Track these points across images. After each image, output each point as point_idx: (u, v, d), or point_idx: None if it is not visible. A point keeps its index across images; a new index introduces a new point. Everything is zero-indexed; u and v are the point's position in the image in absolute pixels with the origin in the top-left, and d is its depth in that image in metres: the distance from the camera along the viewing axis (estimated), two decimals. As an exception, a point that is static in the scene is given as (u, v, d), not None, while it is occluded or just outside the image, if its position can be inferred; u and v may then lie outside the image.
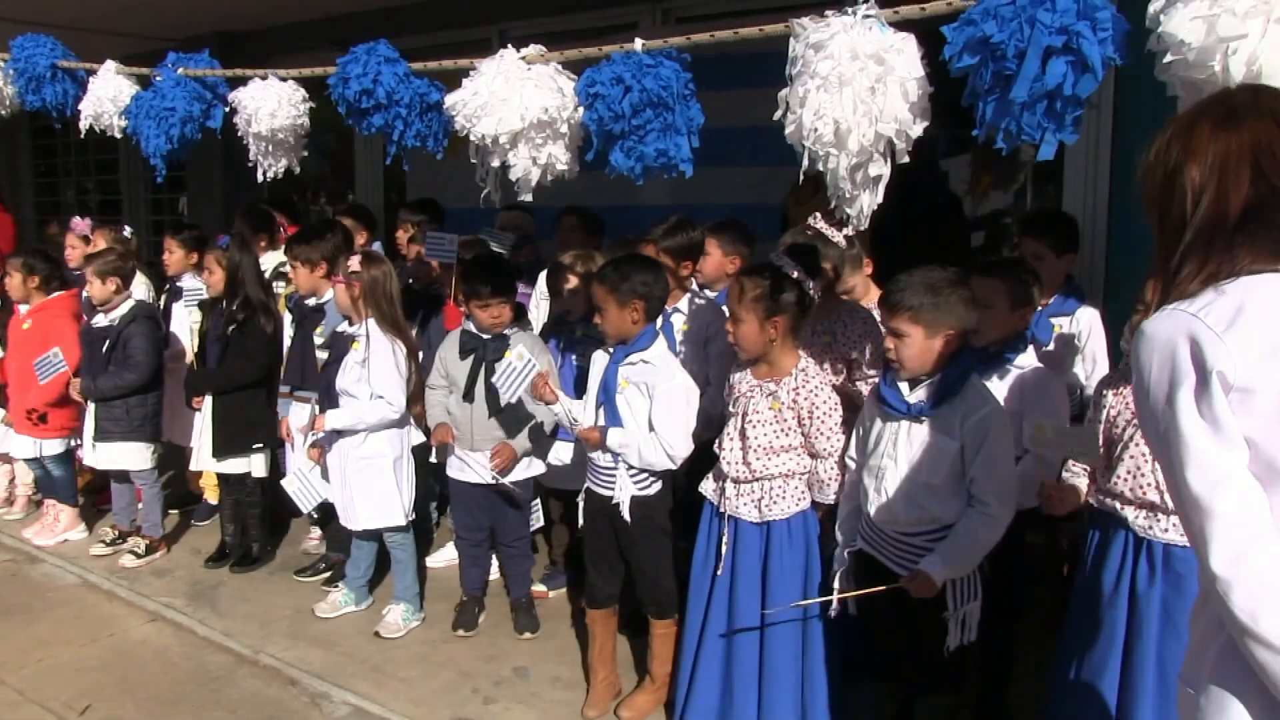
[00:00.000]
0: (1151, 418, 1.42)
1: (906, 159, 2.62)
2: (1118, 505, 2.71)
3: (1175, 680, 2.55)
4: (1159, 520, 2.62)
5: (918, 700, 2.95)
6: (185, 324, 4.92)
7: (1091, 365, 3.81)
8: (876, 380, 3.57)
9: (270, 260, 5.05)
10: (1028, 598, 3.31)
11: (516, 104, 3.08)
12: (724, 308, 4.02)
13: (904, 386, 2.75)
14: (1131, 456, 2.66)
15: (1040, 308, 3.53)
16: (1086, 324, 3.81)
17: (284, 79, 3.81)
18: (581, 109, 3.09)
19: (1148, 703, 2.65)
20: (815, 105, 2.53)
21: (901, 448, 2.74)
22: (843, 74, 2.51)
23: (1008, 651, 3.26)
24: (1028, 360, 3.24)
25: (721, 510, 3.19)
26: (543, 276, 4.97)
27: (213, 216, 6.92)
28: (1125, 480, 2.67)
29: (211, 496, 5.19)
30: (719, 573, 3.16)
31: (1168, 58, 2.20)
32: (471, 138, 3.20)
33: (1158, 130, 1.52)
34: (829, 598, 2.92)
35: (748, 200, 5.14)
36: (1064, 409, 3.26)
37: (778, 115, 2.69)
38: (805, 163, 2.59)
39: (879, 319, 3.63)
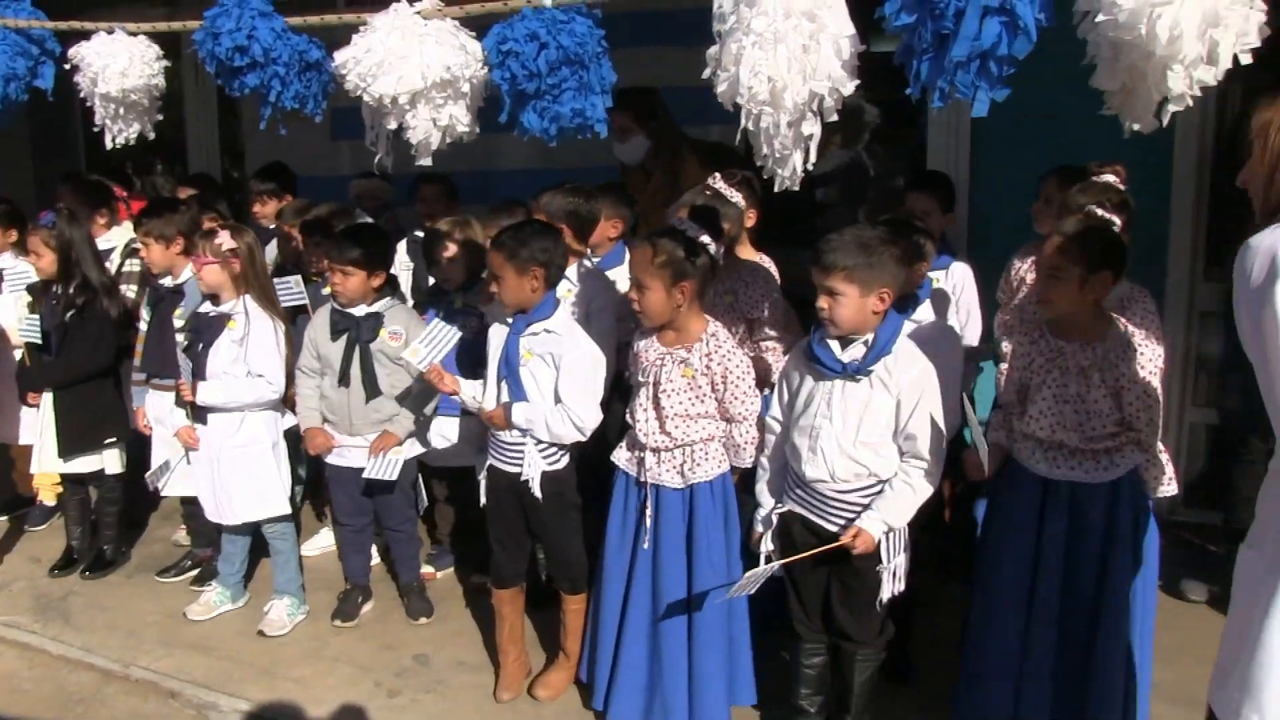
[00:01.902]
0: (1251, 306, 1.72)
1: (835, 117, 2.62)
2: (1028, 446, 2.84)
3: (1076, 614, 2.76)
4: (1065, 459, 2.77)
5: (841, 654, 3.00)
6: (11, 310, 4.40)
7: (965, 317, 3.95)
8: (775, 341, 3.61)
9: (118, 236, 4.58)
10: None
11: (417, 61, 2.88)
12: (610, 275, 4.00)
13: (834, 345, 2.76)
14: (1043, 398, 2.77)
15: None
16: (960, 278, 3.95)
17: (133, 34, 3.43)
18: (486, 68, 2.93)
19: (1050, 636, 2.81)
20: (751, 62, 2.48)
21: (836, 406, 2.75)
22: (778, 30, 2.46)
23: (911, 600, 3.36)
24: (924, 314, 3.34)
25: (641, 480, 3.13)
26: (402, 245, 4.76)
27: (19, 189, 6.20)
28: (1037, 420, 2.78)
29: (48, 497, 4.69)
30: (645, 546, 3.11)
31: (1100, 17, 2.28)
32: (365, 98, 2.98)
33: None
34: (771, 565, 2.88)
35: (612, 162, 5.05)
36: (959, 361, 3.39)
37: (706, 73, 2.63)
38: (745, 122, 2.53)
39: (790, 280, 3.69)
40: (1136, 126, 2.39)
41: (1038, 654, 2.84)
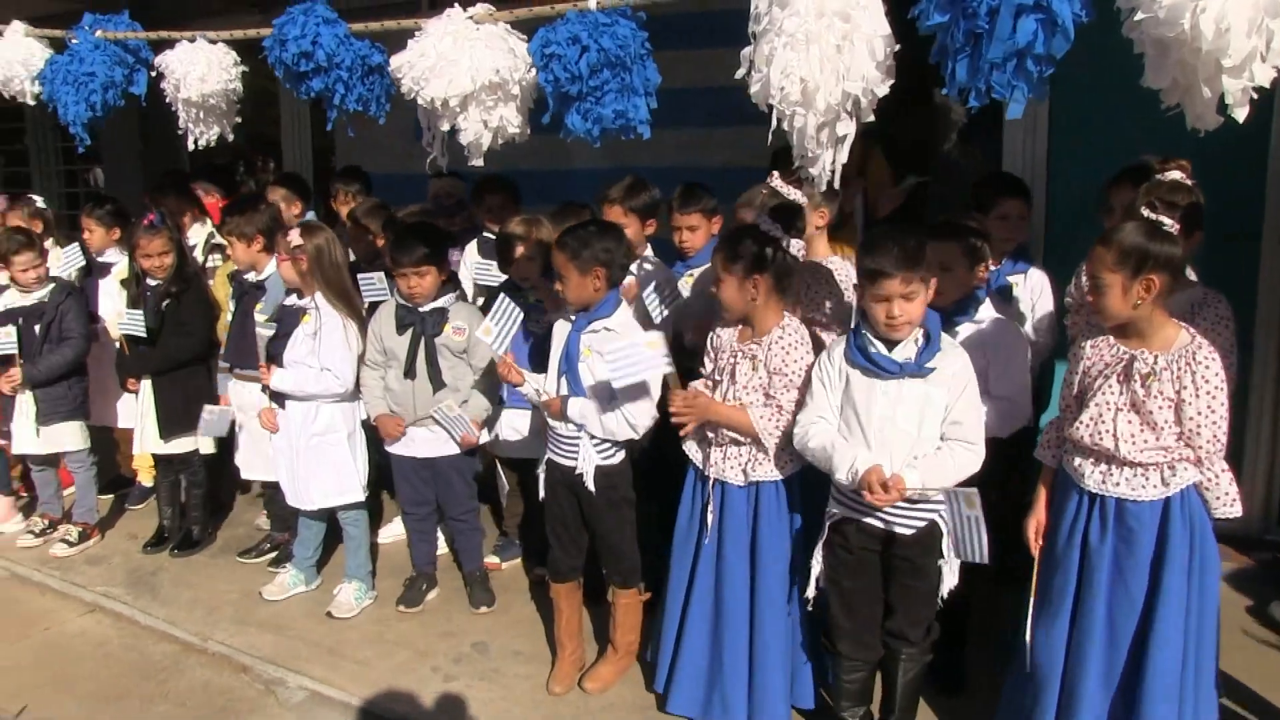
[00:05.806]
0: None
1: (871, 118, 2.59)
2: (1075, 458, 2.73)
3: (1123, 634, 2.65)
4: (1112, 474, 2.64)
5: (889, 656, 2.98)
6: (115, 301, 4.68)
7: (1043, 324, 3.84)
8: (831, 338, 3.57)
9: (198, 234, 4.83)
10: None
11: (467, 65, 2.96)
12: (674, 272, 4.02)
13: (881, 346, 2.74)
14: (1096, 404, 2.65)
15: (994, 267, 3.55)
16: (1037, 286, 3.83)
17: (213, 41, 3.62)
18: (534, 70, 2.99)
19: (1095, 655, 2.70)
20: (782, 63, 2.48)
21: (900, 407, 2.75)
22: (810, 31, 2.45)
23: (967, 606, 3.29)
24: (986, 314, 3.26)
25: (707, 475, 3.16)
26: (472, 245, 4.83)
27: (133, 188, 6.59)
28: (1087, 426, 2.65)
29: (145, 479, 4.99)
30: (705, 540, 3.14)
31: (1139, 15, 2.19)
32: (419, 101, 3.07)
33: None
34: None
35: (680, 162, 5.05)
36: (1024, 356, 3.31)
37: (740, 73, 2.63)
38: (774, 123, 2.54)
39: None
40: (1199, 125, 2.28)
41: (1086, 670, 2.74)
